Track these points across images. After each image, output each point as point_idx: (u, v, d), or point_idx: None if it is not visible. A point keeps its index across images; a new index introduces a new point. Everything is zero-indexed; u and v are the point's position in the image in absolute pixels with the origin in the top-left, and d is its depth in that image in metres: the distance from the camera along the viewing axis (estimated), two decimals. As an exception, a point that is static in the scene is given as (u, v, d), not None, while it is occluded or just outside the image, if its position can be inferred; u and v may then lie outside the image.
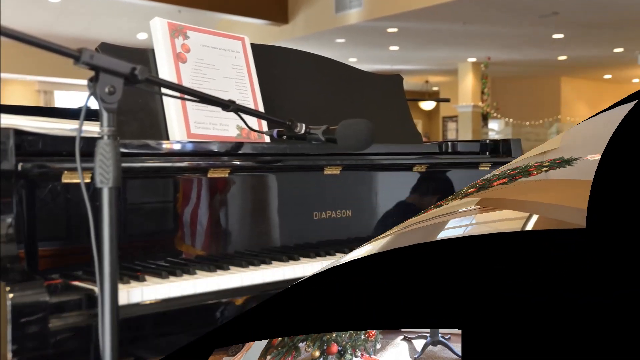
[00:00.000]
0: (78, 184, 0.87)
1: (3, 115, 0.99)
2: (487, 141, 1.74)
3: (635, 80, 13.62)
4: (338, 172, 1.30)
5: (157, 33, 1.22)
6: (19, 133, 0.89)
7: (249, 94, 1.32)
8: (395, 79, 1.74)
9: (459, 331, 0.65)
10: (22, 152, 0.89)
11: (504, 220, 0.71)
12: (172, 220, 1.07)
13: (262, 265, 1.05)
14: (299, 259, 1.10)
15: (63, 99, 11.49)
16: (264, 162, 1.20)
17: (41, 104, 10.81)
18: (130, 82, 0.80)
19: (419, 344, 0.70)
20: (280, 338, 0.74)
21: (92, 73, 0.78)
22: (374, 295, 0.70)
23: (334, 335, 0.72)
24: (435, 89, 14.15)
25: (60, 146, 0.95)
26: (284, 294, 0.77)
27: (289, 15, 9.15)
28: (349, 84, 1.61)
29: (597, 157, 0.70)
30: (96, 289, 0.79)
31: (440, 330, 0.68)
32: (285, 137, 1.16)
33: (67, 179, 0.93)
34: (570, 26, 8.38)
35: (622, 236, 0.63)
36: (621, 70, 12.29)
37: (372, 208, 1.38)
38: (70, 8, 8.97)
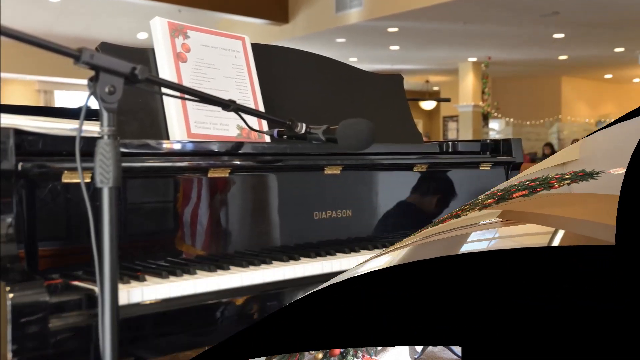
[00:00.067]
0: (78, 184, 0.87)
1: (3, 115, 0.99)
2: (488, 141, 1.74)
3: (636, 80, 13.62)
4: (338, 172, 1.30)
5: (158, 33, 1.22)
6: (19, 133, 0.89)
7: (249, 94, 1.32)
8: (395, 78, 1.74)
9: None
10: (22, 152, 0.89)
11: (528, 235, 0.69)
12: (173, 220, 1.07)
13: (263, 265, 1.05)
14: (299, 259, 1.10)
15: (63, 99, 11.49)
16: (264, 162, 1.20)
17: (41, 104, 10.81)
18: (130, 82, 0.80)
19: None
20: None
21: (92, 73, 0.78)
22: (396, 309, 0.69)
23: None
24: (435, 88, 14.14)
25: (60, 146, 0.95)
26: (299, 304, 0.75)
27: (289, 15, 9.14)
28: (349, 84, 1.60)
29: (621, 171, 0.68)
30: (96, 289, 0.79)
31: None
32: (285, 136, 1.16)
33: (67, 178, 0.93)
34: (570, 26, 8.37)
35: None
36: (622, 70, 12.28)
37: (372, 208, 1.38)
38: (71, 8, 8.97)
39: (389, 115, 1.66)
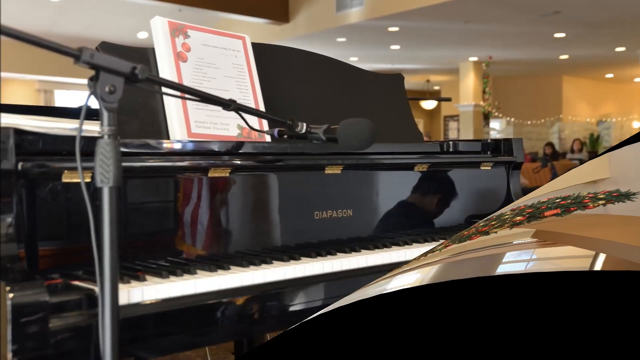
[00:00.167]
0: (78, 184, 0.87)
1: (3, 115, 0.99)
2: (489, 140, 1.73)
3: (637, 80, 13.60)
4: (339, 172, 1.30)
5: (158, 32, 1.22)
6: (19, 132, 0.89)
7: (250, 93, 1.32)
8: (396, 78, 1.73)
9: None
10: (22, 152, 0.89)
11: (568, 258, 0.67)
12: (173, 220, 1.07)
13: (263, 265, 1.05)
14: (300, 259, 1.10)
15: (63, 98, 11.50)
16: (265, 161, 1.20)
17: (41, 103, 10.81)
18: (130, 82, 0.80)
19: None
20: None
21: (92, 72, 0.78)
22: (429, 328, 0.67)
23: None
24: (436, 88, 14.13)
25: (60, 145, 0.95)
26: (324, 319, 0.73)
27: (290, 14, 9.14)
28: (350, 83, 1.60)
29: None
30: (96, 289, 0.78)
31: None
32: (286, 136, 1.16)
33: (67, 178, 0.93)
34: (571, 25, 8.36)
35: None
36: (623, 69, 12.27)
37: (373, 208, 1.38)
38: (71, 7, 8.97)
39: (389, 114, 1.66)
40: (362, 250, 1.21)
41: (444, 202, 1.54)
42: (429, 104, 13.37)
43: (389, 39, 9.30)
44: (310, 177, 1.26)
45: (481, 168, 1.61)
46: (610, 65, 11.78)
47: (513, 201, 1.65)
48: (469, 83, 10.99)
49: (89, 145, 0.80)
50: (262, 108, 1.33)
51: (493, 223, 0.80)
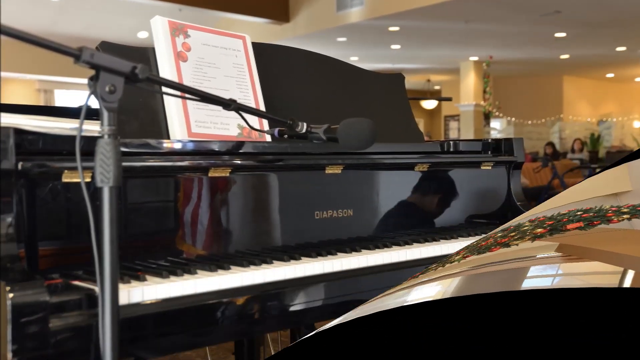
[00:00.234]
0: (78, 183, 0.86)
1: (3, 115, 0.99)
2: (489, 140, 1.73)
3: (638, 79, 13.59)
4: (339, 172, 1.30)
5: (158, 32, 1.21)
6: (19, 132, 0.89)
7: (250, 93, 1.32)
8: (396, 77, 1.73)
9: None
10: (22, 151, 0.89)
11: (596, 274, 0.66)
12: (173, 220, 1.07)
13: (264, 265, 1.05)
14: (300, 259, 1.10)
15: (63, 98, 11.50)
16: (265, 161, 1.20)
17: (41, 103, 10.82)
18: (130, 81, 0.80)
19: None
20: None
21: (92, 72, 0.78)
22: (453, 342, 0.66)
23: None
24: (437, 87, 14.13)
25: (60, 145, 0.95)
26: (342, 329, 0.71)
27: (290, 14, 9.14)
28: (350, 83, 1.60)
29: None
30: (97, 289, 0.78)
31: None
32: (286, 136, 1.15)
33: (67, 178, 0.93)
34: (572, 25, 8.36)
35: None
36: (624, 69, 12.26)
37: (373, 207, 1.38)
38: (71, 6, 8.97)
39: (390, 114, 1.66)
40: (362, 250, 1.21)
41: (444, 202, 1.54)
42: (429, 104, 13.37)
43: (390, 39, 9.30)
44: (311, 177, 1.26)
45: (482, 168, 1.61)
46: (610, 65, 11.78)
47: (513, 201, 1.65)
48: (470, 83, 10.99)
49: (89, 145, 0.80)
50: (262, 108, 1.32)
51: (512, 234, 0.78)
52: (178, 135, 1.16)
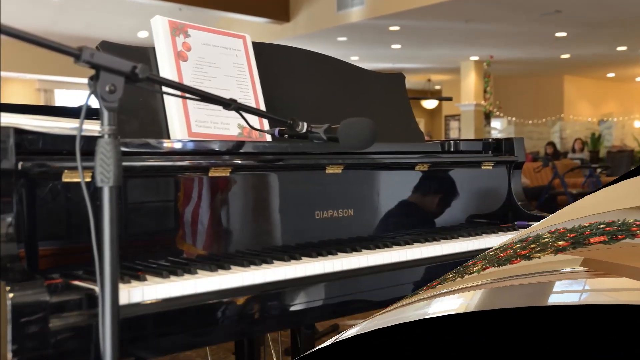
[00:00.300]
0: (78, 183, 0.86)
1: (3, 114, 0.99)
2: (490, 140, 1.73)
3: (639, 79, 13.58)
4: (340, 171, 1.29)
5: (158, 31, 1.21)
6: (19, 132, 0.89)
7: (250, 93, 1.31)
8: (397, 77, 1.73)
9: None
10: (22, 151, 0.89)
11: (624, 290, 0.64)
12: (173, 220, 1.07)
13: (264, 265, 1.04)
14: (300, 259, 1.10)
15: (63, 98, 11.50)
16: (266, 161, 1.20)
17: (41, 103, 10.82)
18: (131, 81, 0.80)
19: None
20: None
21: (92, 71, 0.77)
22: (477, 357, 0.65)
23: None
24: (437, 87, 14.13)
25: (60, 145, 0.95)
26: (359, 341, 0.70)
27: (291, 14, 9.14)
28: (350, 83, 1.60)
29: None
30: (97, 289, 0.78)
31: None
32: (286, 136, 1.15)
33: (67, 178, 0.93)
34: (573, 24, 8.35)
35: None
36: (624, 68, 12.26)
37: (374, 207, 1.38)
38: (71, 6, 8.97)
39: (390, 114, 1.65)
40: (363, 250, 1.21)
41: (445, 202, 1.54)
42: (430, 104, 13.37)
43: (390, 38, 9.29)
44: (311, 176, 1.26)
45: (482, 168, 1.61)
46: (611, 64, 11.77)
47: (514, 201, 1.65)
48: (470, 82, 10.98)
49: (89, 144, 0.80)
50: (262, 107, 1.32)
51: (532, 246, 0.77)
52: (178, 135, 1.16)
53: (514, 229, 1.54)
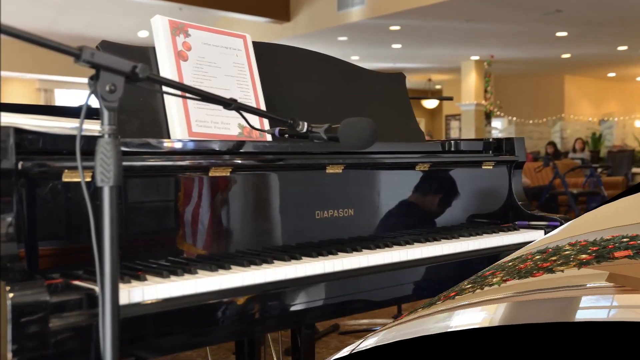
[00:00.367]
0: (78, 183, 0.86)
1: (3, 114, 0.99)
2: (491, 140, 1.73)
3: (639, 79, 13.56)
4: (340, 171, 1.29)
5: (158, 31, 1.21)
6: (19, 131, 0.89)
7: (251, 92, 1.31)
8: (397, 77, 1.73)
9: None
10: (23, 151, 0.89)
11: None
12: (174, 219, 1.07)
13: (264, 265, 1.04)
14: (301, 258, 1.09)
15: (63, 98, 11.51)
16: (266, 160, 1.19)
17: (41, 103, 10.83)
18: (131, 81, 0.79)
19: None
20: None
21: (92, 71, 0.77)
22: None
23: None
24: (438, 87, 14.12)
25: (60, 145, 0.95)
26: (383, 352, 0.68)
27: (291, 13, 9.13)
28: (351, 82, 1.60)
29: None
30: (97, 289, 0.78)
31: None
32: (287, 135, 1.15)
33: (67, 177, 0.93)
34: (574, 24, 8.34)
35: None
36: (625, 68, 12.25)
37: (374, 207, 1.37)
38: (71, 6, 8.97)
39: (391, 114, 1.65)
40: (363, 250, 1.20)
41: (445, 202, 1.54)
42: (430, 103, 13.36)
43: (391, 38, 9.29)
44: (312, 176, 1.26)
45: (483, 167, 1.61)
46: (612, 64, 11.76)
47: (515, 201, 1.65)
48: (471, 82, 10.97)
49: (90, 144, 0.80)
50: (263, 107, 1.32)
51: (554, 258, 0.76)
52: (178, 134, 1.15)
53: (515, 229, 1.54)
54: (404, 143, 1.55)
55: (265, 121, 1.26)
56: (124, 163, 0.85)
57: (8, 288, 0.76)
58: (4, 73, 10.15)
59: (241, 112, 1.02)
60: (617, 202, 0.95)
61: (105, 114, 0.77)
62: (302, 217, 1.23)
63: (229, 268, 1.01)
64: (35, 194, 0.90)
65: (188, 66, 1.22)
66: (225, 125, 1.23)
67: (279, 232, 1.20)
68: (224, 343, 2.23)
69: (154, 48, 1.21)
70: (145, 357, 0.89)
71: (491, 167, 1.62)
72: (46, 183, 0.91)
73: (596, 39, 9.33)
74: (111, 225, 0.76)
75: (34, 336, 0.77)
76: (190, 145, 1.11)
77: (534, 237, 1.52)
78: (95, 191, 0.77)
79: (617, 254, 0.73)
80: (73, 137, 0.84)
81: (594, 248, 0.76)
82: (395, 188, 1.42)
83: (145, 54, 1.21)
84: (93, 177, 0.77)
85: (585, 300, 0.65)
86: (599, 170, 7.15)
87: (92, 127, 0.91)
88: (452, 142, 1.68)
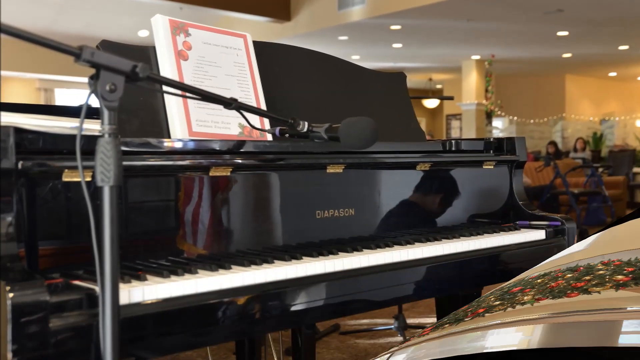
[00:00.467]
0: (79, 183, 0.86)
1: (3, 113, 0.99)
2: (491, 139, 1.72)
3: (640, 78, 13.55)
4: (341, 171, 1.29)
5: (159, 30, 1.21)
6: (19, 131, 0.88)
7: (251, 92, 1.31)
8: (398, 76, 1.73)
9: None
10: (23, 150, 0.89)
11: None
12: (174, 219, 1.07)
13: (265, 265, 1.04)
14: (301, 258, 1.09)
15: (64, 97, 11.51)
16: (266, 160, 1.19)
17: (42, 102, 10.84)
18: (131, 80, 0.79)
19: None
20: None
21: (93, 71, 0.77)
22: None
23: None
24: (438, 86, 14.11)
25: (60, 144, 0.94)
26: None
27: (292, 13, 9.13)
28: (352, 82, 1.59)
29: None
30: (97, 288, 0.78)
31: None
32: (287, 135, 1.15)
33: (67, 177, 0.92)
34: (575, 23, 8.33)
35: None
36: (626, 67, 12.23)
37: (375, 207, 1.37)
38: (71, 5, 8.97)
39: (391, 113, 1.65)
40: (364, 250, 1.20)
41: (446, 202, 1.54)
42: (431, 103, 13.36)
43: (391, 37, 9.28)
44: (312, 176, 1.26)
45: (484, 167, 1.61)
46: (613, 63, 11.74)
47: (516, 200, 1.65)
48: (472, 81, 10.97)
49: (90, 144, 0.80)
50: (263, 106, 1.32)
51: (587, 278, 0.75)
52: (179, 134, 1.15)
53: (516, 229, 1.54)
54: (404, 143, 1.54)
55: (266, 121, 1.26)
56: (124, 163, 0.85)
57: (8, 288, 0.76)
58: (4, 72, 10.15)
59: (242, 111, 1.01)
60: None
61: (106, 113, 0.77)
62: (303, 216, 1.23)
63: (230, 268, 1.00)
64: (35, 194, 0.90)
65: (188, 65, 1.22)
66: (225, 125, 1.23)
67: (280, 231, 1.20)
68: (225, 343, 2.23)
69: (154, 47, 1.21)
70: (145, 357, 0.89)
71: (492, 167, 1.62)
72: (46, 183, 0.91)
73: (597, 39, 9.32)
74: (111, 225, 0.76)
75: (34, 336, 0.76)
76: (191, 145, 1.11)
77: (535, 237, 1.51)
78: (95, 191, 0.77)
79: None
80: (73, 136, 0.84)
81: (630, 269, 0.75)
82: (395, 188, 1.42)
83: (145, 53, 1.21)
84: (93, 176, 0.77)
85: (627, 325, 0.64)
86: (600, 170, 7.14)
87: (92, 126, 0.91)
88: (453, 141, 1.68)
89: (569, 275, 0.78)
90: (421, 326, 2.91)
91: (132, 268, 0.98)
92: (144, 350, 0.88)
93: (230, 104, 0.97)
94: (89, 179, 0.87)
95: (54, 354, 0.78)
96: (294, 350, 1.59)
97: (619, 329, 0.64)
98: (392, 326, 2.70)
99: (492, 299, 0.77)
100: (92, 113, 0.96)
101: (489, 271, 1.40)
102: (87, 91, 0.78)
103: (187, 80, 1.20)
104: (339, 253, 1.16)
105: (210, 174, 1.10)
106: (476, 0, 7.22)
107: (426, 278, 1.24)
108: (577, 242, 1.60)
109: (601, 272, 0.76)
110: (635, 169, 9.47)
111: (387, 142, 1.45)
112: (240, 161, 1.14)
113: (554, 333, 0.66)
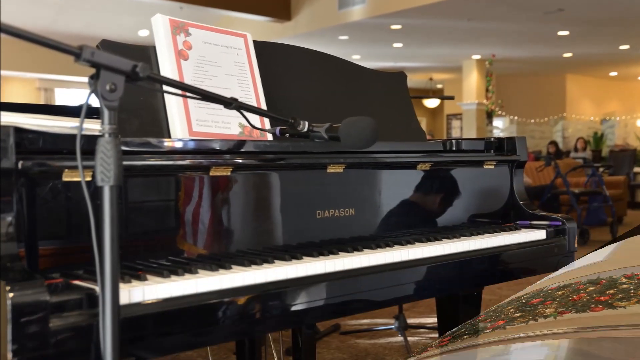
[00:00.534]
0: (79, 182, 0.86)
1: (3, 113, 0.99)
2: (492, 139, 1.72)
3: (641, 78, 13.54)
4: (341, 171, 1.29)
5: (159, 30, 1.21)
6: (19, 131, 0.88)
7: (252, 92, 1.31)
8: (399, 76, 1.72)
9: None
10: (23, 150, 0.88)
11: None
12: (174, 219, 1.06)
13: (265, 265, 1.04)
14: (302, 258, 1.09)
15: (64, 97, 11.52)
16: (267, 160, 1.19)
17: (42, 102, 10.84)
18: (131, 80, 0.79)
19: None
20: None
21: (93, 70, 0.77)
22: None
23: None
24: (439, 86, 14.11)
25: (60, 144, 0.94)
26: None
27: (292, 12, 9.13)
28: (352, 82, 1.59)
29: None
30: (97, 288, 0.78)
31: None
32: (288, 135, 1.15)
33: (67, 177, 0.92)
34: (575, 23, 8.33)
35: None
36: (627, 67, 12.23)
37: (375, 207, 1.37)
38: (71, 5, 8.98)
39: (392, 113, 1.65)
40: (364, 250, 1.20)
41: (446, 201, 1.53)
42: (431, 103, 13.35)
43: (392, 37, 9.28)
44: (312, 176, 1.26)
45: (484, 167, 1.60)
46: (614, 63, 11.74)
47: (516, 200, 1.64)
48: (472, 81, 10.96)
49: (90, 143, 0.80)
50: (263, 106, 1.32)
51: (611, 292, 0.74)
52: (179, 134, 1.15)
53: (516, 229, 1.54)
54: (405, 142, 1.54)
55: (266, 120, 1.26)
56: (125, 162, 0.85)
57: (8, 288, 0.76)
58: (4, 72, 10.16)
59: (242, 111, 1.01)
60: None
61: (106, 113, 0.77)
62: (303, 216, 1.23)
63: (230, 268, 1.00)
64: (35, 194, 0.90)
65: (189, 65, 1.22)
66: (226, 125, 1.23)
67: (280, 231, 1.20)
68: (225, 343, 2.23)
69: (154, 47, 1.21)
70: (145, 357, 0.89)
71: (492, 167, 1.62)
72: (46, 182, 0.91)
73: (598, 38, 9.31)
74: (111, 225, 0.76)
75: (34, 336, 0.76)
76: (191, 145, 1.11)
77: (535, 237, 1.51)
78: (95, 191, 0.77)
79: None
80: (73, 136, 0.84)
81: None
82: (396, 187, 1.41)
83: (145, 53, 1.21)
84: (93, 176, 0.77)
85: None
86: (601, 169, 7.14)
87: (92, 126, 0.91)
88: (454, 141, 1.67)
89: (591, 288, 0.77)
90: (421, 326, 2.91)
91: (132, 268, 0.98)
92: (144, 350, 0.88)
93: (230, 103, 0.97)
94: (89, 178, 0.87)
95: (54, 354, 0.78)
96: (294, 350, 1.59)
97: None
98: (393, 326, 2.70)
99: (510, 310, 0.76)
100: (92, 113, 0.96)
101: (489, 271, 1.40)
102: (87, 91, 0.77)
103: (188, 80, 1.20)
104: (340, 253, 1.16)
105: (211, 173, 1.10)
106: (477, 0, 7.21)
107: (427, 278, 1.24)
108: (577, 242, 1.59)
109: (625, 285, 0.75)
110: (636, 169, 9.46)
111: (387, 142, 1.45)
112: (240, 161, 1.14)
113: (581, 348, 0.66)
